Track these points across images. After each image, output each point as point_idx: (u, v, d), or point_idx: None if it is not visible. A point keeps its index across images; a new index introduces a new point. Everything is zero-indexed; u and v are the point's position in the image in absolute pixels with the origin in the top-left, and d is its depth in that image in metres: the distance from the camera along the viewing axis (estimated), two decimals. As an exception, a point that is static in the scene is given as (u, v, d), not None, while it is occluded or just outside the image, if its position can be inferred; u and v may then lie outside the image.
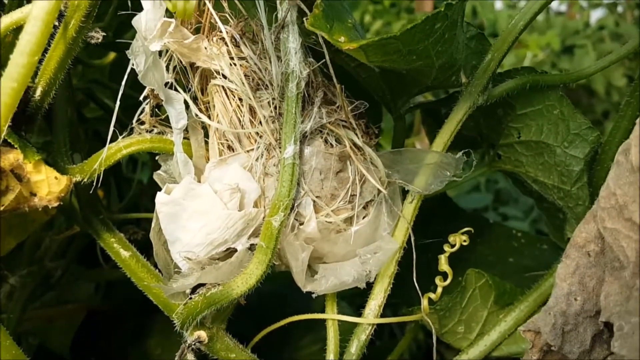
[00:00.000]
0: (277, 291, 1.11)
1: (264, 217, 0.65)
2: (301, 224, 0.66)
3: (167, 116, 0.69)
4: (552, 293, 0.55)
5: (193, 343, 0.63)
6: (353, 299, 1.11)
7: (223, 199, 0.64)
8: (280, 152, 0.64)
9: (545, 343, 0.56)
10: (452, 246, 0.72)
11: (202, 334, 0.65)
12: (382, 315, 0.73)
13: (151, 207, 0.69)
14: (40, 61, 0.68)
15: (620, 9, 3.72)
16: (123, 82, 0.66)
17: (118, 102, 0.66)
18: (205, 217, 0.63)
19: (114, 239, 0.76)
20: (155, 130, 0.71)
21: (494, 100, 0.76)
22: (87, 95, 1.12)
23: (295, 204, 0.65)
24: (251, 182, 0.65)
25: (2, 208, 0.64)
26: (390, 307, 0.83)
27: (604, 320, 0.50)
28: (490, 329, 0.79)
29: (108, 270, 0.98)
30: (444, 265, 0.71)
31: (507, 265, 0.95)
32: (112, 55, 1.14)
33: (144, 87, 0.69)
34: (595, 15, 3.85)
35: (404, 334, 1.07)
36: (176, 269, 0.65)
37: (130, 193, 1.20)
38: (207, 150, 0.71)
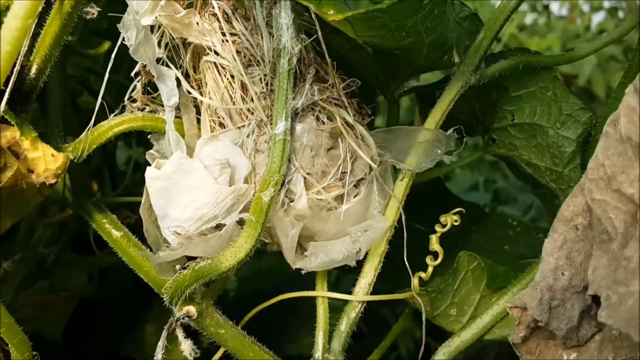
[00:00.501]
0: (274, 287, 1.11)
1: (254, 194, 0.64)
2: (291, 200, 0.66)
3: (160, 95, 0.69)
4: (539, 268, 0.55)
5: (182, 317, 0.63)
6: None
7: (213, 174, 0.64)
8: (272, 128, 0.64)
9: (532, 319, 0.56)
10: (444, 226, 0.72)
11: (191, 309, 0.65)
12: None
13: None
14: (35, 38, 0.69)
15: (621, 14, 3.73)
16: (113, 54, 0.66)
17: (107, 73, 0.66)
18: (195, 192, 0.63)
19: (106, 219, 0.76)
20: (148, 108, 0.71)
21: (487, 82, 0.76)
22: (81, 84, 1.12)
23: (286, 180, 0.65)
24: (242, 158, 0.65)
25: (0, 185, 0.65)
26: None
27: (591, 293, 0.50)
28: (482, 312, 0.78)
29: (101, 257, 0.98)
30: (434, 244, 0.71)
31: (503, 253, 0.95)
32: (106, 45, 1.14)
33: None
34: (596, 19, 3.85)
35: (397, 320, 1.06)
36: (166, 245, 0.65)
37: (124, 184, 1.20)
38: (200, 129, 0.71)
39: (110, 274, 1.12)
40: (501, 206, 1.98)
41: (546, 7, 4.12)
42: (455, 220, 0.72)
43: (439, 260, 0.71)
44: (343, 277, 1.16)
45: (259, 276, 1.39)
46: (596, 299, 0.52)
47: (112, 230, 0.75)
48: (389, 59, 0.74)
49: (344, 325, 0.69)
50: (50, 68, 0.70)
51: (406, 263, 0.69)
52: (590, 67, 3.00)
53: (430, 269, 0.71)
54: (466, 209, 1.00)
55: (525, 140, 0.76)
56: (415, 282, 0.71)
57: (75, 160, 0.72)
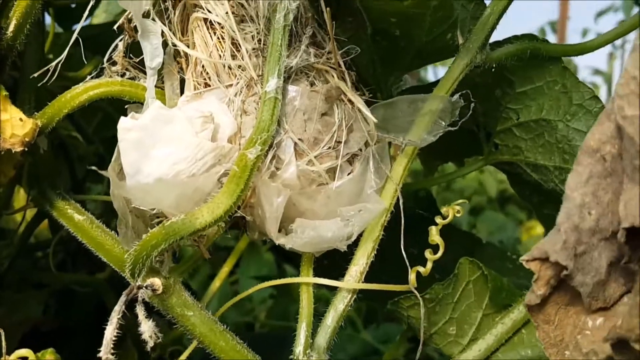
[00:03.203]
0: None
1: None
2: (278, 169, 0.59)
3: (141, 60, 0.64)
4: (562, 208, 0.47)
5: (144, 286, 0.54)
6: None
7: (194, 127, 0.57)
8: (262, 88, 0.58)
9: (554, 273, 0.47)
10: (444, 218, 0.65)
11: (156, 281, 0.56)
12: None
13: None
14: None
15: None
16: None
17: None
18: (173, 144, 0.56)
19: (68, 206, 0.69)
20: (128, 74, 0.66)
21: (491, 81, 0.72)
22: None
23: (274, 143, 0.58)
24: (227, 115, 0.59)
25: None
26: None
27: (627, 225, 0.42)
28: (484, 333, 0.70)
29: (58, 274, 0.90)
30: (434, 236, 0.64)
31: (502, 285, 0.87)
32: (88, 68, 1.10)
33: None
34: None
35: None
36: (134, 206, 0.58)
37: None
38: (183, 100, 0.65)
39: (70, 300, 1.02)
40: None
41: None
42: (458, 212, 0.65)
43: (439, 254, 0.63)
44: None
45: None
46: (628, 243, 0.45)
47: (74, 215, 0.67)
48: (387, 44, 0.70)
49: (331, 318, 0.60)
50: (30, 27, 0.65)
51: (404, 254, 0.62)
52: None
53: (429, 264, 0.63)
54: (463, 239, 0.94)
55: (532, 140, 0.71)
56: (412, 276, 0.63)
57: (45, 130, 0.65)
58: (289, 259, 1.67)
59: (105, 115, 1.21)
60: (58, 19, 1.15)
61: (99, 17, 1.43)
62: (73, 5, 1.13)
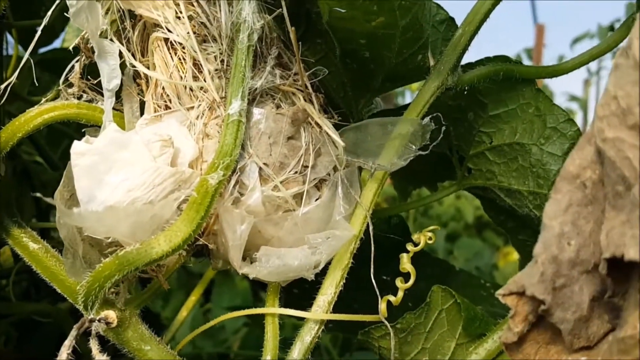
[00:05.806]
0: None
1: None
2: (242, 195, 0.56)
3: (99, 82, 0.61)
4: (539, 238, 0.45)
5: (97, 320, 0.51)
6: None
7: (152, 151, 0.54)
8: (225, 110, 0.56)
9: (532, 309, 0.45)
10: (416, 245, 0.62)
11: (111, 314, 0.53)
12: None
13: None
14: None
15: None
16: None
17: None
18: (129, 169, 0.53)
19: (24, 234, 0.65)
20: (85, 97, 0.63)
21: (464, 104, 0.70)
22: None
23: (238, 167, 0.56)
24: (188, 139, 0.56)
25: None
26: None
27: (609, 256, 0.40)
28: (458, 364, 0.67)
29: (18, 304, 0.85)
30: (406, 264, 0.61)
31: (477, 313, 0.84)
32: (53, 93, 1.07)
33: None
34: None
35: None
36: (86, 235, 0.54)
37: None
38: (143, 123, 0.62)
39: (32, 330, 0.97)
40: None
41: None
42: (430, 238, 0.62)
43: (410, 283, 0.61)
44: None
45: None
46: (610, 278, 0.42)
47: (29, 243, 0.64)
48: (356, 66, 0.68)
49: (297, 351, 0.57)
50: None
51: (373, 282, 0.59)
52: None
53: (400, 293, 0.61)
54: (437, 266, 0.91)
55: (505, 164, 0.69)
56: (382, 306, 0.60)
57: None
58: (265, 286, 1.64)
59: (71, 140, 1.18)
60: (23, 43, 1.12)
61: (70, 42, 1.41)
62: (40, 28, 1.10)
